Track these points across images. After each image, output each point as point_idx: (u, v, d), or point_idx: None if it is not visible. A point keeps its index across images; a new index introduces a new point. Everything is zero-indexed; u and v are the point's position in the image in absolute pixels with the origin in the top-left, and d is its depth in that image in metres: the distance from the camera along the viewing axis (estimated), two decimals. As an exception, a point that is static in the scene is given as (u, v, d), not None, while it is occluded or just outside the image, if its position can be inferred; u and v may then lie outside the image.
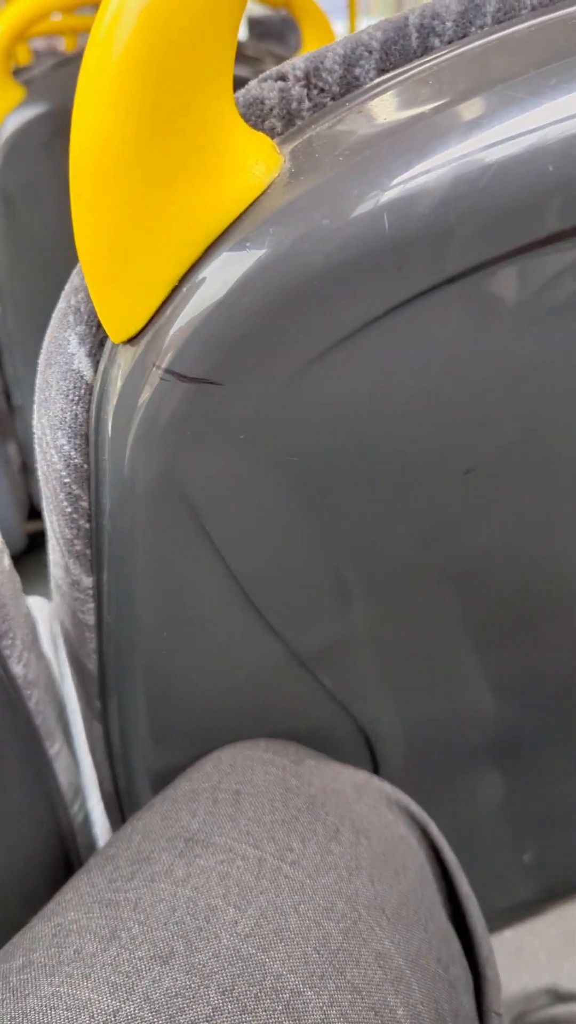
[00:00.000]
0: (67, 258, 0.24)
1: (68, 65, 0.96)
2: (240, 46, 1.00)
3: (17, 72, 1.00)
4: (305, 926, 0.26)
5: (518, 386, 0.27)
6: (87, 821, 0.47)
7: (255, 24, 2.17)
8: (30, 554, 1.11)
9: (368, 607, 0.33)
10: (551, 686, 0.41)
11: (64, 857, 0.41)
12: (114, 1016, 0.23)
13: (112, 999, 0.24)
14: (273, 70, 0.25)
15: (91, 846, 0.47)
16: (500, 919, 0.54)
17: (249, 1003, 0.24)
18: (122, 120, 0.21)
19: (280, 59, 0.95)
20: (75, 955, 0.25)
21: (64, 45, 2.05)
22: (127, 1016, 0.23)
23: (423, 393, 0.26)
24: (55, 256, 0.95)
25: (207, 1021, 0.23)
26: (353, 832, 0.31)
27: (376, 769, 0.41)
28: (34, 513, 1.27)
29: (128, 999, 0.24)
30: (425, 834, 0.35)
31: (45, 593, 0.68)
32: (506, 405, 0.27)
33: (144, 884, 0.28)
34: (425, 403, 0.26)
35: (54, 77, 0.93)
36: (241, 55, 0.95)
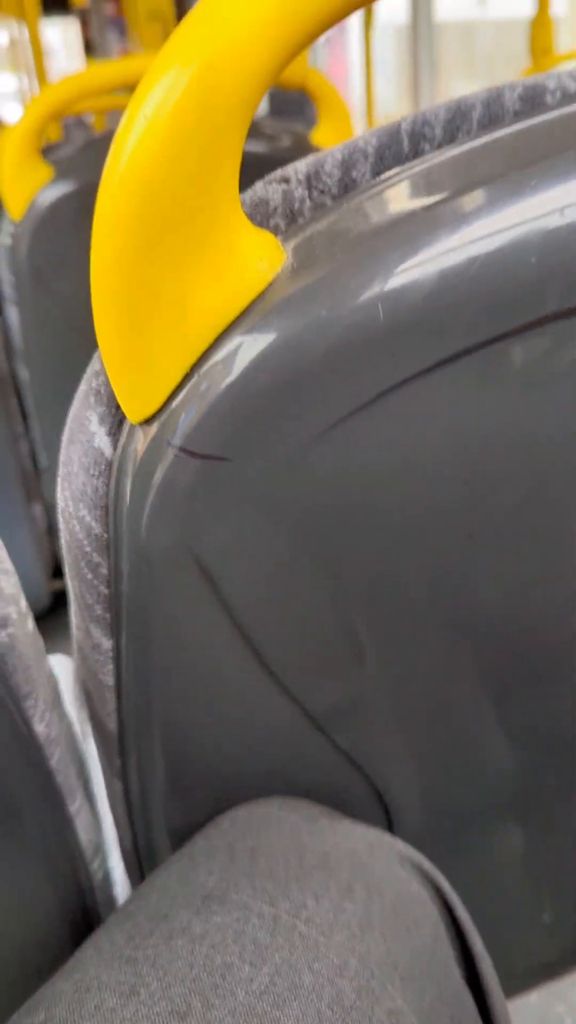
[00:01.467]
0: (91, 328, 0.26)
1: (95, 146, 1.01)
2: (257, 124, 1.05)
3: (47, 150, 1.05)
4: (319, 984, 0.27)
5: (510, 456, 0.28)
6: (107, 879, 0.47)
7: (275, 97, 2.25)
8: (54, 612, 1.13)
9: (380, 666, 0.34)
10: (567, 741, 0.42)
11: (84, 914, 0.42)
12: None
13: None
14: (277, 173, 0.27)
15: (111, 903, 0.47)
16: (522, 981, 0.53)
17: None
18: (136, 223, 0.23)
19: (296, 135, 1.00)
20: (95, 1010, 0.26)
21: (93, 119, 2.14)
22: None
23: (420, 465, 0.27)
24: (80, 326, 0.99)
25: None
26: (366, 890, 0.31)
27: (390, 827, 0.41)
28: (58, 572, 1.29)
29: None
30: (438, 892, 0.36)
31: (68, 650, 0.70)
32: (500, 475, 0.29)
33: (162, 941, 0.28)
34: (422, 474, 0.28)
35: (82, 158, 0.98)
36: (259, 132, 0.99)
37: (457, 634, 0.34)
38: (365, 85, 1.86)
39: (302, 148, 0.96)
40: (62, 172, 0.94)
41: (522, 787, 0.43)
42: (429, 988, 0.30)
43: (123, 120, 0.23)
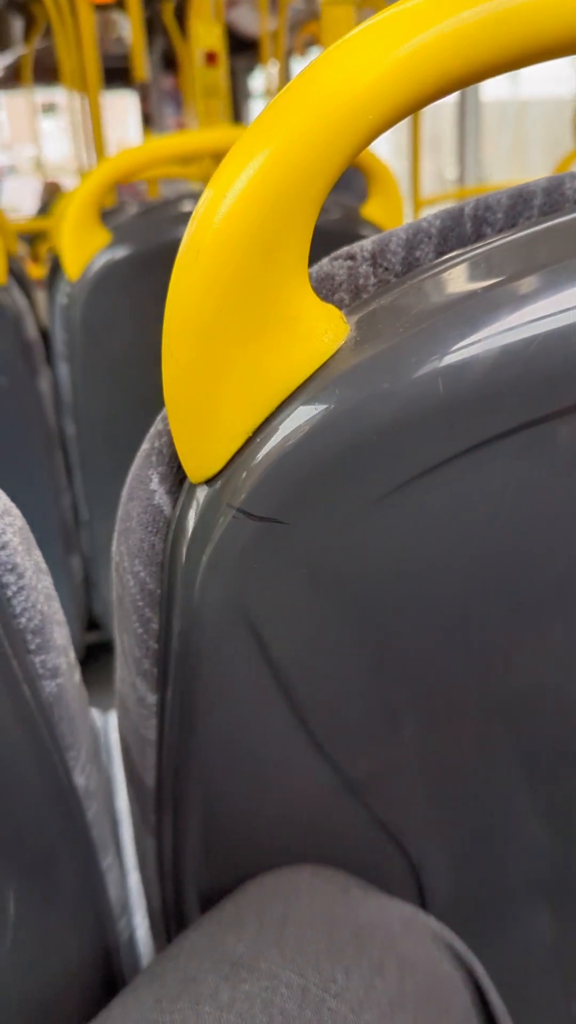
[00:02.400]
0: (141, 385, 0.27)
1: (150, 214, 1.05)
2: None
3: (105, 215, 1.10)
4: None
5: (559, 532, 0.29)
6: (132, 938, 0.47)
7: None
8: (87, 665, 1.13)
9: (418, 737, 0.34)
10: None
11: (109, 974, 0.42)
12: None
13: None
14: (343, 250, 0.28)
15: (135, 965, 0.47)
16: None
17: None
18: (211, 295, 0.24)
19: (346, 208, 1.03)
20: None
21: (146, 187, 2.22)
22: None
23: (472, 537, 0.28)
24: (128, 384, 1.02)
25: None
26: (398, 968, 0.31)
27: (423, 901, 0.40)
28: (92, 624, 1.30)
29: None
30: (471, 975, 0.35)
31: (99, 704, 0.70)
32: (548, 550, 0.29)
33: (189, 1006, 0.28)
34: (474, 546, 0.28)
35: (138, 224, 1.02)
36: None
37: (496, 712, 0.34)
38: (412, 163, 1.91)
39: (352, 221, 0.99)
40: (119, 237, 0.98)
41: (555, 871, 0.42)
42: None
43: (205, 195, 0.24)
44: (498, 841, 0.40)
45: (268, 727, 0.33)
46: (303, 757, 0.33)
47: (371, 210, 1.01)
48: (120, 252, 0.97)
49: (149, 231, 0.99)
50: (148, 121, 2.93)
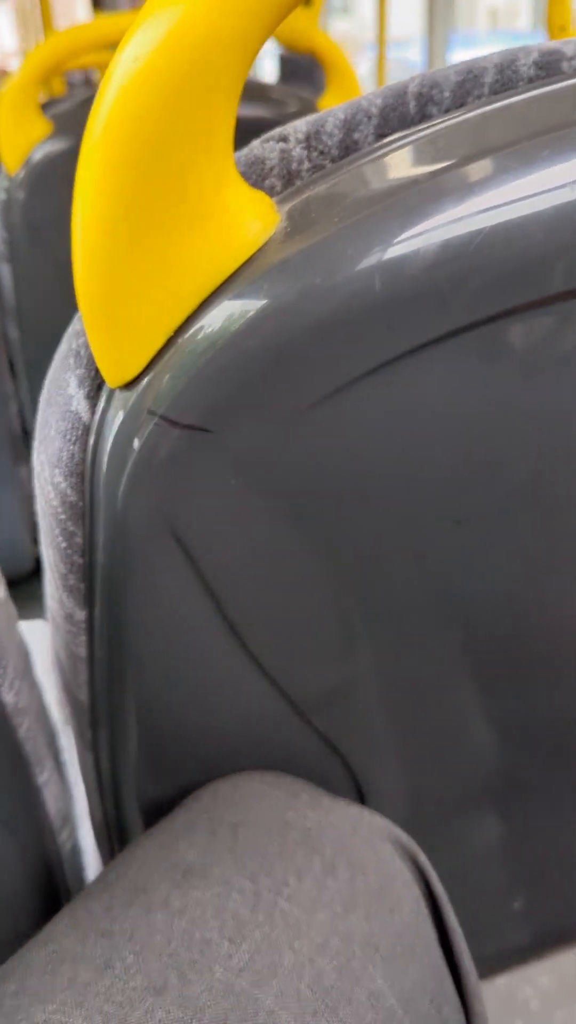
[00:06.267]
0: None
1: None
2: (266, 89, 1.02)
3: (48, 104, 1.03)
4: (299, 963, 0.27)
5: (508, 440, 0.27)
6: (76, 850, 0.47)
7: (285, 63, 2.21)
8: (37, 576, 1.12)
9: (366, 650, 0.33)
10: (549, 732, 0.41)
11: (51, 885, 0.42)
12: None
13: None
14: (275, 131, 0.26)
15: (79, 875, 0.47)
16: (492, 965, 0.53)
17: None
18: (120, 176, 0.21)
19: (304, 101, 0.97)
20: (69, 983, 0.25)
21: (99, 77, 2.10)
22: None
23: (412, 443, 0.26)
24: (73, 286, 0.97)
25: None
26: (349, 867, 0.31)
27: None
28: None
29: None
30: (419, 869, 0.35)
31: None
32: (496, 458, 0.28)
33: (140, 914, 0.28)
34: (414, 453, 0.27)
35: (81, 113, 0.95)
36: (266, 97, 0.97)
37: (448, 621, 0.33)
38: (378, 50, 1.82)
39: (309, 114, 0.94)
40: (61, 127, 0.92)
41: (501, 776, 0.43)
42: (410, 969, 0.29)
43: (113, 61, 0.21)
44: (445, 750, 0.40)
45: (204, 646, 0.31)
46: (243, 677, 0.33)
47: (328, 102, 0.95)
48: (62, 143, 0.91)
49: (94, 121, 0.93)
50: (100, 4, 2.75)
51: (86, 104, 0.98)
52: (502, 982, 0.84)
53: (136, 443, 0.25)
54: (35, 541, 1.25)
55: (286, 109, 0.96)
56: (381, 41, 1.87)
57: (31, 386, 1.11)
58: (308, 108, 0.96)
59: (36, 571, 1.23)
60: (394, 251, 0.23)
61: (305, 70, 2.01)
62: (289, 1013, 0.25)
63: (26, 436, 1.17)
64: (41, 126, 0.92)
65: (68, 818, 0.45)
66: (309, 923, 0.28)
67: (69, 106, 0.99)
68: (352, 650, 0.33)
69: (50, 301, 1.01)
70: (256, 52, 0.21)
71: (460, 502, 0.29)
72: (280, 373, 0.24)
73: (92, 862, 0.50)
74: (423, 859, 0.35)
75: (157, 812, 0.37)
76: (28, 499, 1.21)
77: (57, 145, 0.91)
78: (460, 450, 0.27)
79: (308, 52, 0.95)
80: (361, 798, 0.40)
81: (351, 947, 0.28)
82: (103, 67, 1.87)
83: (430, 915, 0.34)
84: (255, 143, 0.26)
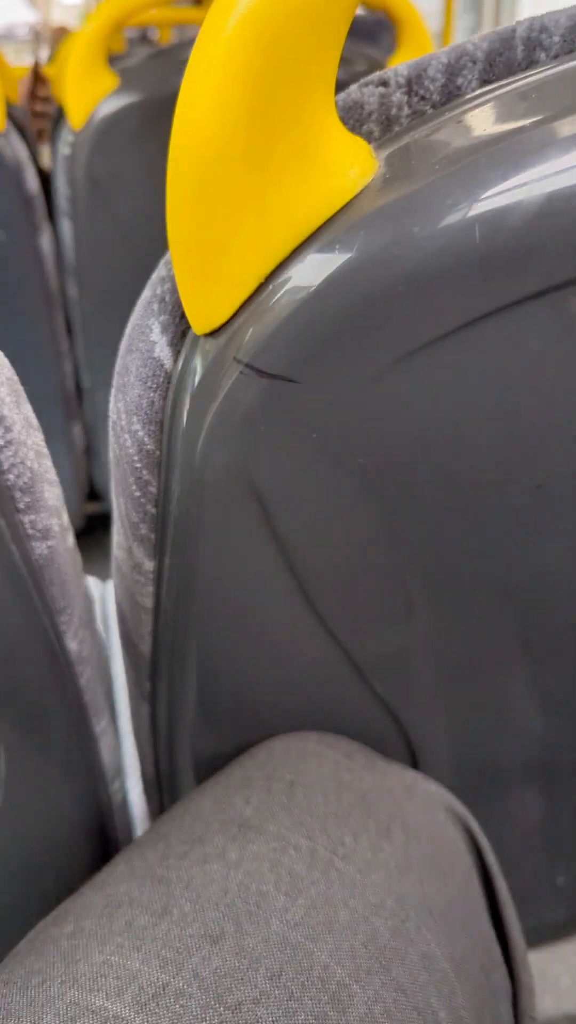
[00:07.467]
0: (148, 246, 0.24)
1: (162, 57, 0.97)
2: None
3: (112, 60, 1.02)
4: (354, 920, 0.27)
5: None
6: (125, 801, 0.47)
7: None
8: (87, 535, 1.13)
9: (427, 617, 0.33)
10: None
11: (102, 832, 0.42)
12: (163, 989, 0.24)
13: (162, 972, 0.24)
14: (375, 75, 0.25)
15: (127, 826, 0.48)
16: (527, 939, 0.53)
17: (296, 990, 0.24)
18: (226, 118, 0.21)
19: (372, 60, 0.95)
20: (126, 926, 0.26)
21: (158, 35, 2.08)
22: (175, 991, 0.24)
23: (499, 405, 0.26)
24: (137, 243, 0.96)
25: (254, 1004, 0.24)
26: (404, 831, 0.31)
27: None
28: (93, 495, 1.29)
29: (177, 974, 0.24)
30: (471, 838, 0.35)
31: (98, 573, 0.70)
32: None
33: (196, 864, 0.28)
34: (501, 415, 0.26)
35: (147, 68, 0.94)
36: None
37: (506, 593, 0.33)
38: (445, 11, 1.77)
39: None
40: (127, 81, 0.91)
41: (550, 751, 0.42)
42: (461, 935, 0.29)
43: (215, 2, 0.21)
44: (496, 721, 0.40)
45: (272, 602, 0.31)
46: (307, 633, 0.32)
47: (399, 61, 0.93)
48: (128, 98, 0.90)
49: (161, 76, 0.92)
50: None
51: (152, 59, 0.97)
52: (533, 957, 0.84)
53: (219, 392, 0.25)
54: (85, 499, 1.26)
55: (354, 68, 0.94)
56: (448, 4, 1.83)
57: (87, 345, 1.11)
58: (376, 67, 0.94)
59: (87, 529, 1.24)
60: (496, 201, 0.22)
61: (369, 32, 1.97)
62: (343, 969, 0.25)
63: (80, 395, 1.18)
64: (108, 80, 0.91)
65: (120, 769, 0.45)
66: (364, 883, 0.28)
67: (134, 61, 0.98)
68: (415, 613, 0.33)
69: (110, 260, 1.01)
70: None
71: (540, 467, 0.28)
72: (369, 325, 0.23)
73: (139, 814, 0.51)
74: (476, 828, 0.35)
75: (208, 768, 0.37)
76: (80, 458, 1.21)
77: (123, 100, 0.90)
78: (542, 413, 0.27)
79: (381, 9, 0.92)
80: (414, 764, 0.40)
81: (405, 909, 0.28)
82: (162, 24, 1.85)
83: (480, 884, 0.34)
84: (352, 88, 0.25)
